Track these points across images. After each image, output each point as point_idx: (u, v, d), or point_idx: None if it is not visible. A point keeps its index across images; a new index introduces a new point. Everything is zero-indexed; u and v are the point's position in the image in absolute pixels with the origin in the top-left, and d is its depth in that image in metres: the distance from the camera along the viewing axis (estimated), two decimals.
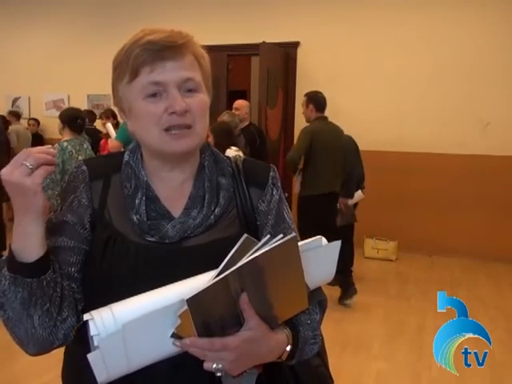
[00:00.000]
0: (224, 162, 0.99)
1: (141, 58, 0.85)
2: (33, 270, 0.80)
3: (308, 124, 4.26)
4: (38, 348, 0.85)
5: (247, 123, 5.07)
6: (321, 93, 4.34)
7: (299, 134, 4.21)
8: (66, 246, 0.89)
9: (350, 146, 4.40)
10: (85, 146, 3.92)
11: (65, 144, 3.75)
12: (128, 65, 0.86)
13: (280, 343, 0.84)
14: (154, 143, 0.88)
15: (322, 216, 3.92)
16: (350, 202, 4.39)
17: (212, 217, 0.91)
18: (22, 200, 0.79)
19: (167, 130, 0.86)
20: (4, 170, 0.78)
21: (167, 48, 0.85)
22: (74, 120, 3.83)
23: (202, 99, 0.90)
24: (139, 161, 0.95)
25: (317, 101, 4.25)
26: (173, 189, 0.94)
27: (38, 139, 7.01)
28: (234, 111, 4.96)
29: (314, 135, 4.04)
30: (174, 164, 0.92)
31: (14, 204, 0.80)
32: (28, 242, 0.80)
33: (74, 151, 3.75)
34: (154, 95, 0.86)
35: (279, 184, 1.01)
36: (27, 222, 0.80)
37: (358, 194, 4.47)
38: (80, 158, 3.76)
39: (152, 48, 0.84)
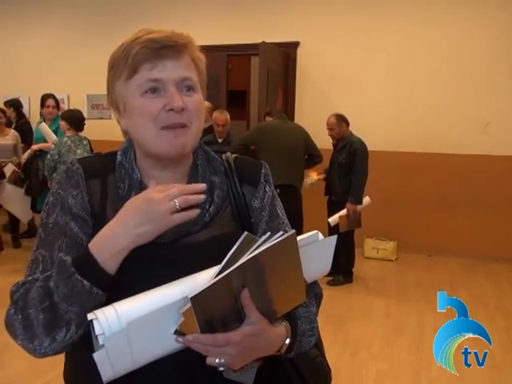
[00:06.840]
0: (216, 160, 0.99)
1: (141, 55, 0.85)
2: (108, 283, 0.80)
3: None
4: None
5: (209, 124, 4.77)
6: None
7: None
8: (78, 242, 0.88)
9: (361, 151, 4.35)
10: (84, 142, 4.62)
11: (65, 139, 4.54)
12: (127, 62, 0.86)
13: (279, 337, 0.86)
14: (149, 141, 0.88)
15: None
16: (359, 207, 4.37)
17: (207, 215, 0.92)
18: (150, 229, 0.80)
19: (163, 128, 0.86)
20: (154, 197, 0.79)
21: (168, 47, 0.86)
22: (80, 121, 4.63)
23: (199, 99, 0.91)
24: (132, 160, 0.94)
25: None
26: None
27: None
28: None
29: (248, 142, 4.62)
30: (166, 163, 0.92)
31: (136, 226, 0.79)
32: (119, 257, 0.81)
33: (72, 145, 4.51)
34: (153, 91, 0.86)
35: (271, 180, 1.02)
36: (132, 244, 0.81)
37: (366, 200, 4.45)
38: (78, 151, 4.51)
39: (153, 46, 0.85)
